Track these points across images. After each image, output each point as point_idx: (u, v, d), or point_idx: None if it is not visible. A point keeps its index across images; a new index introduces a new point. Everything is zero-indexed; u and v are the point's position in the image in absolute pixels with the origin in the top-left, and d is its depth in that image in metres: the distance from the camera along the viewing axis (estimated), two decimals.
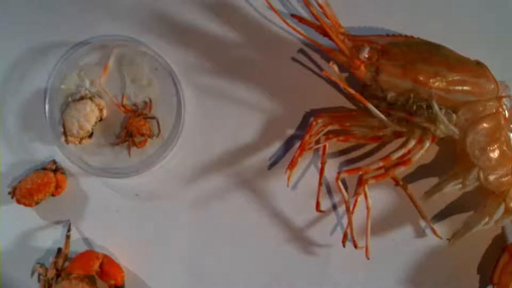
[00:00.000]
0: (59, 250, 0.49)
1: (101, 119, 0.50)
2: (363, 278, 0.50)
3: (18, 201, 0.48)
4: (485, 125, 0.45)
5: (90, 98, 0.50)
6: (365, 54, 0.46)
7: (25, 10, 0.51)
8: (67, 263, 0.49)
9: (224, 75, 0.51)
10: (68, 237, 0.50)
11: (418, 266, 0.50)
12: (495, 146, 0.45)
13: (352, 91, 0.46)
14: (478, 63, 0.46)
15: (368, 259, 0.47)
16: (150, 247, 0.50)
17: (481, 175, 0.46)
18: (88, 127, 0.49)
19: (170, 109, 0.50)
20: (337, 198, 0.50)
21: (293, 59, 0.50)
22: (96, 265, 0.48)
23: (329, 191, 0.50)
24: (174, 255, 0.50)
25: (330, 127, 0.48)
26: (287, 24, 0.47)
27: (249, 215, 0.50)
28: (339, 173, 0.47)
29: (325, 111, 0.50)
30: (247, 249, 0.50)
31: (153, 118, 0.50)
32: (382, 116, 0.45)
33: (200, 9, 0.51)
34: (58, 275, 0.48)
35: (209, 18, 0.51)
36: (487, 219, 0.47)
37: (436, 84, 0.44)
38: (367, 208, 0.46)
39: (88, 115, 0.49)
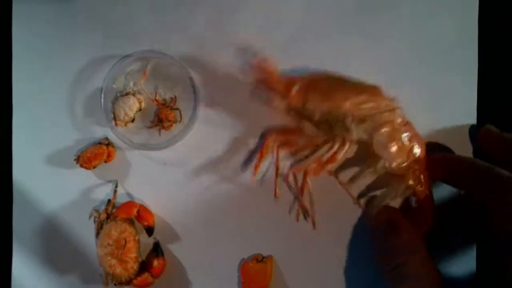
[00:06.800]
0: (109, 200, 0.55)
1: (140, 109, 0.55)
2: (311, 241, 0.56)
3: (81, 166, 0.54)
4: (384, 129, 0.51)
5: (133, 94, 0.54)
6: (295, 90, 0.52)
7: (88, 32, 0.56)
8: (114, 210, 0.54)
9: (224, 82, 0.56)
10: (115, 191, 0.55)
11: (348, 227, 0.56)
12: (393, 143, 0.51)
13: (291, 116, 0.53)
14: (374, 86, 0.52)
15: (314, 228, 0.55)
16: (172, 199, 0.56)
17: (386, 164, 0.52)
18: (131, 114, 0.54)
19: (189, 103, 0.55)
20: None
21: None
22: (134, 211, 0.54)
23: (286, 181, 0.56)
24: (189, 204, 0.56)
25: (281, 139, 0.54)
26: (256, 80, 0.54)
27: (231, 193, 0.55)
28: (288, 171, 0.55)
29: (275, 127, 0.56)
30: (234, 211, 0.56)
31: (177, 109, 0.55)
32: (313, 130, 0.53)
33: (212, 39, 0.56)
34: (107, 218, 0.54)
35: (219, 45, 0.56)
36: (393, 193, 0.53)
37: (347, 105, 0.51)
38: (309, 193, 0.55)
39: (131, 106, 0.54)
